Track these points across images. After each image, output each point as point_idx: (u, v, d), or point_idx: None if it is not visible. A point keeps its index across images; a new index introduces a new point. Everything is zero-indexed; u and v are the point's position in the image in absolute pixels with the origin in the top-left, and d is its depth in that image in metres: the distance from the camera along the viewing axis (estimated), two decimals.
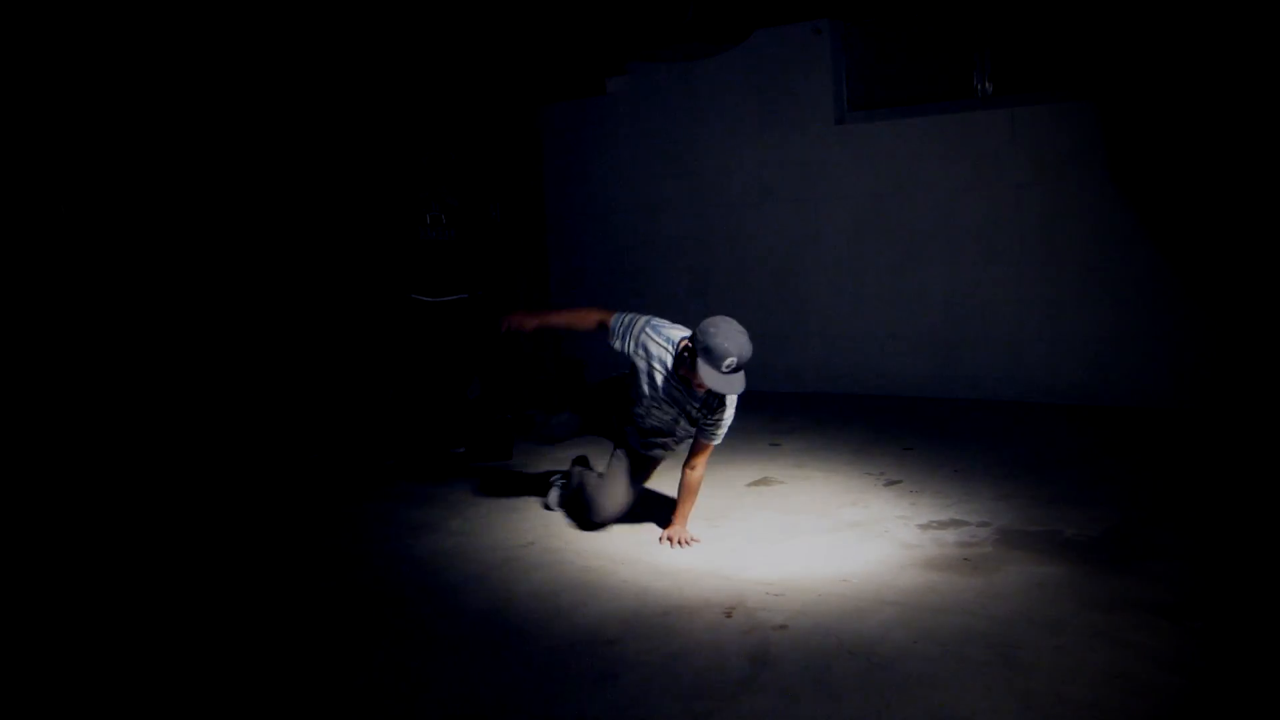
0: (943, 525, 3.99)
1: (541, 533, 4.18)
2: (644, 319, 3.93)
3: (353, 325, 6.70)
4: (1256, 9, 5.25)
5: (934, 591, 3.30)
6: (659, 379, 3.87)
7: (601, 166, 7.94)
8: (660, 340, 3.87)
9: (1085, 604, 3.13)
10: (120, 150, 5.89)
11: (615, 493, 4.09)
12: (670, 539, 3.93)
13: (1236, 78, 5.38)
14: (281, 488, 5.21)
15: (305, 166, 6.62)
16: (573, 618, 3.26)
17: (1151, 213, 5.79)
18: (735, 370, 3.57)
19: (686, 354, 3.68)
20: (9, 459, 5.29)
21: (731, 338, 3.56)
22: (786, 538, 3.96)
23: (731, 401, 3.80)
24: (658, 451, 4.14)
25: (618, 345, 3.94)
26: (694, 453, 3.95)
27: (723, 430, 3.88)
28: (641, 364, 3.90)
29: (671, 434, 4.03)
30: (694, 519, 4.20)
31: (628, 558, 3.81)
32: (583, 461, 4.51)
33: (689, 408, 3.88)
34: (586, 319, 4.09)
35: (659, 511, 4.35)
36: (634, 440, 4.13)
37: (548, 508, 4.48)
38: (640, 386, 3.94)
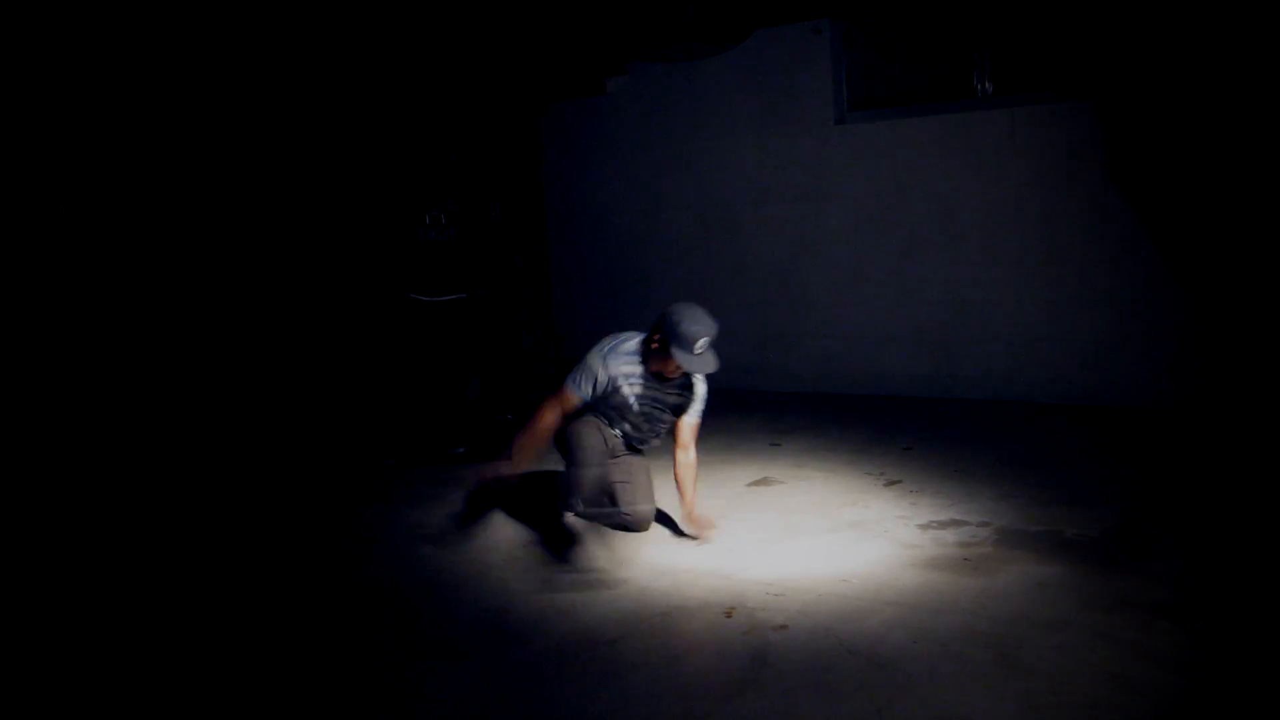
0: (943, 525, 3.99)
1: (542, 533, 4.17)
2: (593, 354, 3.92)
3: (352, 325, 6.70)
4: (1256, 9, 5.25)
5: (934, 591, 3.30)
6: (638, 389, 3.89)
7: (601, 167, 7.94)
8: (623, 357, 3.87)
9: (1085, 604, 3.13)
10: (120, 151, 5.89)
11: (647, 493, 4.07)
12: (699, 528, 3.94)
13: (1236, 78, 5.38)
14: (282, 488, 5.21)
15: (306, 167, 6.62)
16: (573, 618, 3.26)
17: (1151, 213, 5.79)
18: (706, 350, 3.68)
19: (655, 346, 3.74)
20: (9, 459, 5.29)
21: (698, 320, 3.66)
22: (786, 538, 3.96)
23: (701, 377, 3.90)
24: (652, 443, 4.15)
25: (590, 396, 3.90)
26: (682, 436, 3.98)
27: (702, 405, 3.97)
28: (622, 388, 3.88)
29: (656, 432, 4.05)
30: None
31: (627, 558, 3.81)
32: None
33: (669, 398, 3.92)
34: (559, 405, 3.95)
35: (658, 514, 4.35)
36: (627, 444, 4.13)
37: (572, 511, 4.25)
38: (626, 406, 3.93)
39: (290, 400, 6.58)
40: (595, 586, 3.53)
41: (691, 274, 7.53)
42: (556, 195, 8.26)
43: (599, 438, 3.92)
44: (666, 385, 3.88)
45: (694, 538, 3.94)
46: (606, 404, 3.92)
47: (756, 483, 4.80)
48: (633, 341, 3.91)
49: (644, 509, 4.03)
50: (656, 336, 3.74)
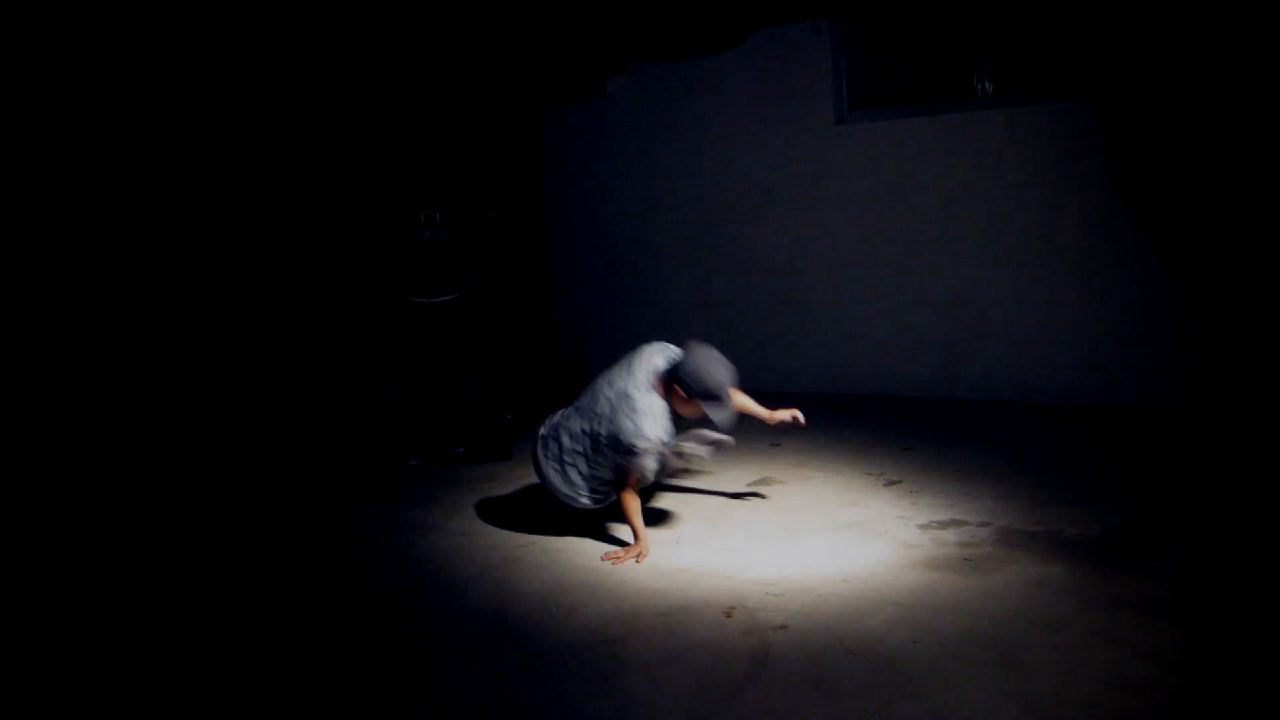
0: (943, 525, 3.99)
1: (542, 533, 4.17)
2: (623, 425, 3.76)
3: (351, 325, 6.70)
4: (1256, 9, 5.25)
5: (934, 591, 3.30)
6: (668, 427, 3.86)
7: (602, 167, 7.94)
8: (660, 419, 3.78)
9: (1085, 604, 3.13)
10: (120, 150, 5.89)
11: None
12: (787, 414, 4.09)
13: (1235, 78, 5.38)
14: (282, 488, 5.21)
15: (305, 168, 6.62)
16: (573, 618, 3.26)
17: (1151, 213, 5.79)
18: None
19: (684, 397, 3.74)
20: (9, 459, 5.29)
21: (722, 368, 3.73)
22: (786, 538, 3.96)
23: None
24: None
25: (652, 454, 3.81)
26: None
27: None
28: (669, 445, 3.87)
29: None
30: (695, 519, 4.21)
31: (629, 558, 3.81)
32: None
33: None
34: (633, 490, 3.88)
35: (658, 515, 4.35)
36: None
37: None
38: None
39: (289, 399, 6.58)
40: (595, 586, 3.53)
41: (691, 274, 7.53)
42: (556, 195, 8.26)
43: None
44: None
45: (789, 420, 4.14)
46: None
47: (756, 483, 4.80)
48: (652, 400, 3.78)
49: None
50: (682, 391, 3.72)
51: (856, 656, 2.85)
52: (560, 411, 4.14)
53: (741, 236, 7.30)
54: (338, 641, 3.23)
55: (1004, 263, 6.29)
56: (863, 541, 3.86)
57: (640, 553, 3.79)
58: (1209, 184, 5.55)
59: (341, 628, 3.34)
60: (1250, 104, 5.36)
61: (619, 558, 3.78)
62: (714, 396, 3.70)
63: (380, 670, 2.97)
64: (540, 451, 4.07)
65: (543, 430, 4.12)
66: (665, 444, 3.78)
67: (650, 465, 3.76)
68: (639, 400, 3.75)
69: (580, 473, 3.96)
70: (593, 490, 3.99)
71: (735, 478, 4.88)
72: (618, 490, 3.86)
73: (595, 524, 4.20)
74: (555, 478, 4.00)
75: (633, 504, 3.83)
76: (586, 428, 3.89)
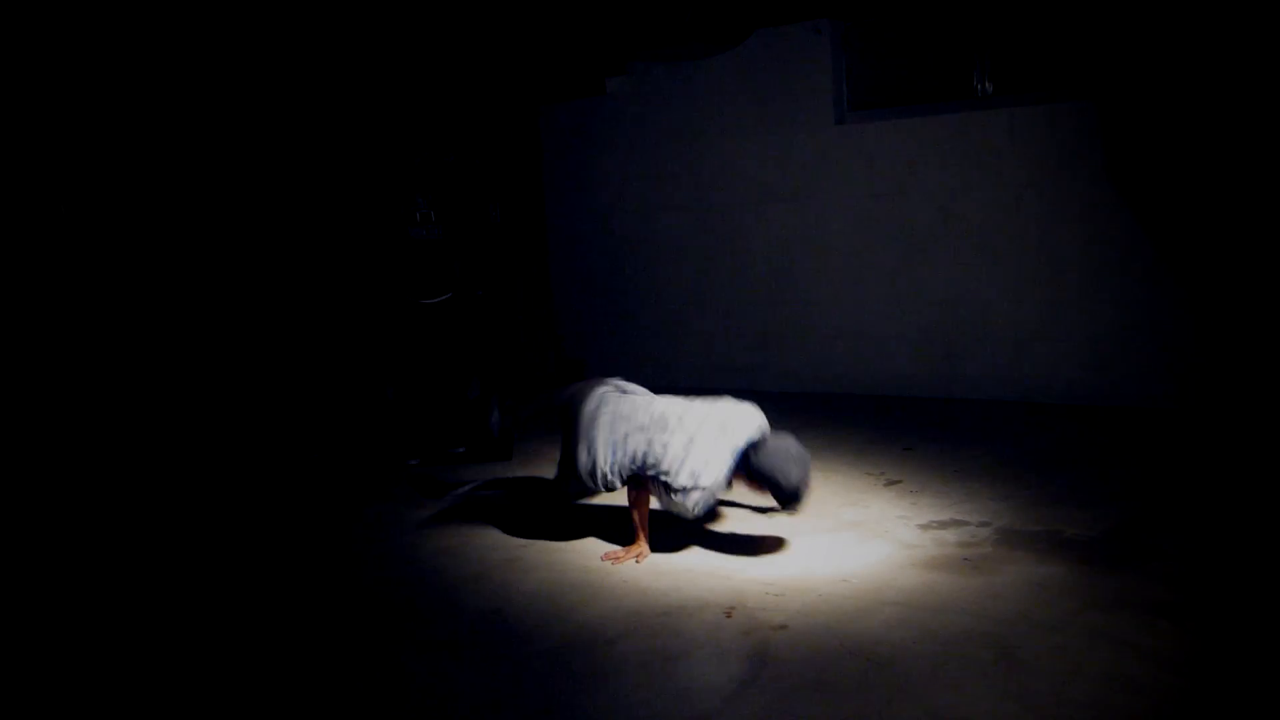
0: (943, 525, 3.99)
1: (542, 533, 4.18)
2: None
3: (349, 325, 6.70)
4: (1256, 9, 5.25)
5: (934, 591, 3.30)
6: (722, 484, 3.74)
7: (601, 166, 7.94)
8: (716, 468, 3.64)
9: (1085, 604, 3.13)
10: (119, 150, 5.89)
11: None
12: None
13: (1235, 78, 5.38)
14: (281, 489, 5.21)
15: (303, 168, 6.62)
16: (573, 618, 3.26)
17: (1151, 213, 5.79)
18: None
19: (759, 487, 3.63)
20: (9, 459, 5.29)
21: (796, 473, 3.55)
22: (786, 538, 3.96)
23: None
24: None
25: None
26: None
27: None
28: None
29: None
30: (695, 518, 4.20)
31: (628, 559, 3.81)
32: None
33: None
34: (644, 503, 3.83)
35: (658, 515, 4.35)
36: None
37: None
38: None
39: (289, 399, 6.58)
40: (595, 586, 3.53)
41: (692, 274, 7.53)
42: (556, 195, 8.26)
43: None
44: None
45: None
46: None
47: None
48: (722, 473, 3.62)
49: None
50: (762, 486, 3.60)
51: (856, 656, 2.85)
52: (615, 394, 3.89)
53: (741, 236, 7.30)
54: (337, 642, 3.23)
55: (1004, 263, 6.29)
56: (863, 541, 3.86)
57: (640, 553, 3.78)
58: (1208, 184, 5.55)
59: (341, 628, 3.34)
60: (1250, 104, 5.36)
61: (619, 558, 3.77)
62: (786, 495, 3.58)
63: (380, 670, 2.97)
64: (589, 424, 3.78)
65: (590, 404, 3.83)
66: (703, 498, 3.61)
67: (687, 505, 3.61)
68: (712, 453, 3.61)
69: (617, 473, 3.73)
70: (606, 487, 3.79)
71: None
72: (631, 501, 3.80)
73: (595, 524, 4.21)
74: (594, 455, 3.73)
75: (644, 506, 3.82)
76: (644, 446, 3.68)
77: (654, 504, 3.81)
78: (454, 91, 7.19)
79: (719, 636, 3.07)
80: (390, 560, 4.00)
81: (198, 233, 6.23)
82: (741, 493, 3.84)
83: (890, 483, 4.66)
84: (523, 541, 4.08)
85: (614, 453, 3.68)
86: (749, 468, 3.57)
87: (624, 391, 3.93)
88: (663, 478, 3.58)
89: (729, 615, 3.20)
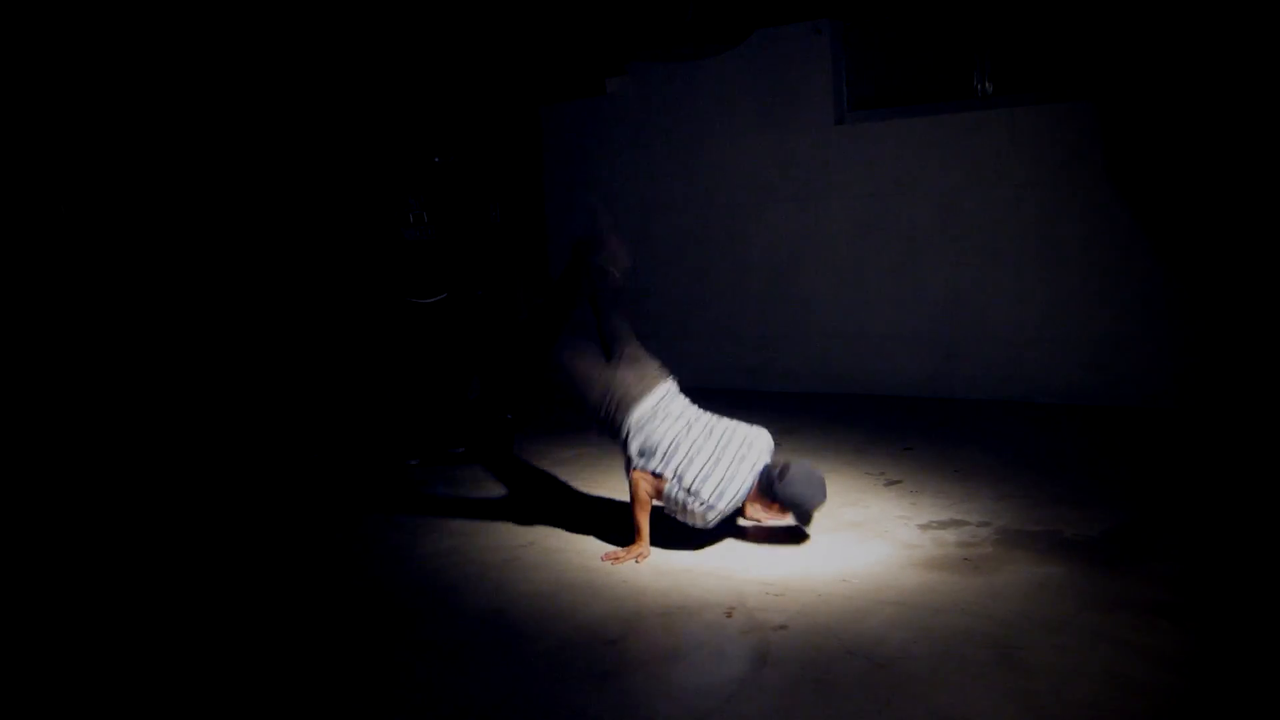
0: (943, 525, 3.99)
1: (541, 533, 4.18)
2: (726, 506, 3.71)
3: (345, 325, 6.70)
4: (1256, 9, 5.25)
5: (934, 591, 3.30)
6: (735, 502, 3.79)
7: (601, 167, 7.94)
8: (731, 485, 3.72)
9: (1085, 604, 3.13)
10: (119, 150, 5.89)
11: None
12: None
13: (1235, 78, 5.38)
14: (281, 489, 5.21)
15: (303, 170, 6.62)
16: (573, 618, 3.26)
17: (1151, 213, 5.79)
18: None
19: (774, 504, 3.74)
20: (9, 460, 5.29)
21: (818, 496, 3.74)
22: (786, 538, 3.96)
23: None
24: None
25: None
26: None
27: None
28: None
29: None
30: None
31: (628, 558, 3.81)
32: None
33: None
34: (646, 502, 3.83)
35: (659, 515, 4.35)
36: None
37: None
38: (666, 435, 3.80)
39: (289, 399, 6.58)
40: (595, 586, 3.53)
41: (692, 274, 7.53)
42: (556, 195, 8.26)
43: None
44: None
45: (758, 520, 4.06)
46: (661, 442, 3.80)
47: None
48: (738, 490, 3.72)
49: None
50: (785, 508, 3.74)
51: (856, 656, 2.85)
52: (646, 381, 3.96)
53: (741, 236, 7.30)
54: (337, 642, 3.22)
55: (1004, 263, 6.29)
56: (863, 541, 3.86)
57: (641, 553, 3.79)
58: (1208, 184, 5.55)
59: (341, 628, 3.34)
60: (1250, 104, 5.36)
61: (619, 558, 3.77)
62: (807, 517, 3.76)
63: (380, 670, 2.97)
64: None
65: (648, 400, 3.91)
66: (721, 512, 3.70)
67: (708, 520, 3.70)
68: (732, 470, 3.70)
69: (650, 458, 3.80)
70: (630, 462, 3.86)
71: None
72: (637, 498, 3.81)
73: (595, 524, 4.21)
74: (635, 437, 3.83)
75: (649, 506, 3.82)
76: (678, 457, 3.75)
77: (656, 502, 3.82)
78: (454, 92, 7.19)
79: (719, 636, 3.07)
80: (390, 560, 4.00)
81: (198, 233, 6.23)
82: (753, 510, 3.90)
83: (890, 483, 4.66)
84: (523, 541, 4.08)
85: (648, 445, 3.79)
86: (772, 491, 3.69)
87: (639, 362, 4.03)
88: (684, 488, 3.67)
89: (729, 615, 3.20)
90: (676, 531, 4.06)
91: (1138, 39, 5.71)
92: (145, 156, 6.01)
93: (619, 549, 3.84)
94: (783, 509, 3.75)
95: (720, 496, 3.65)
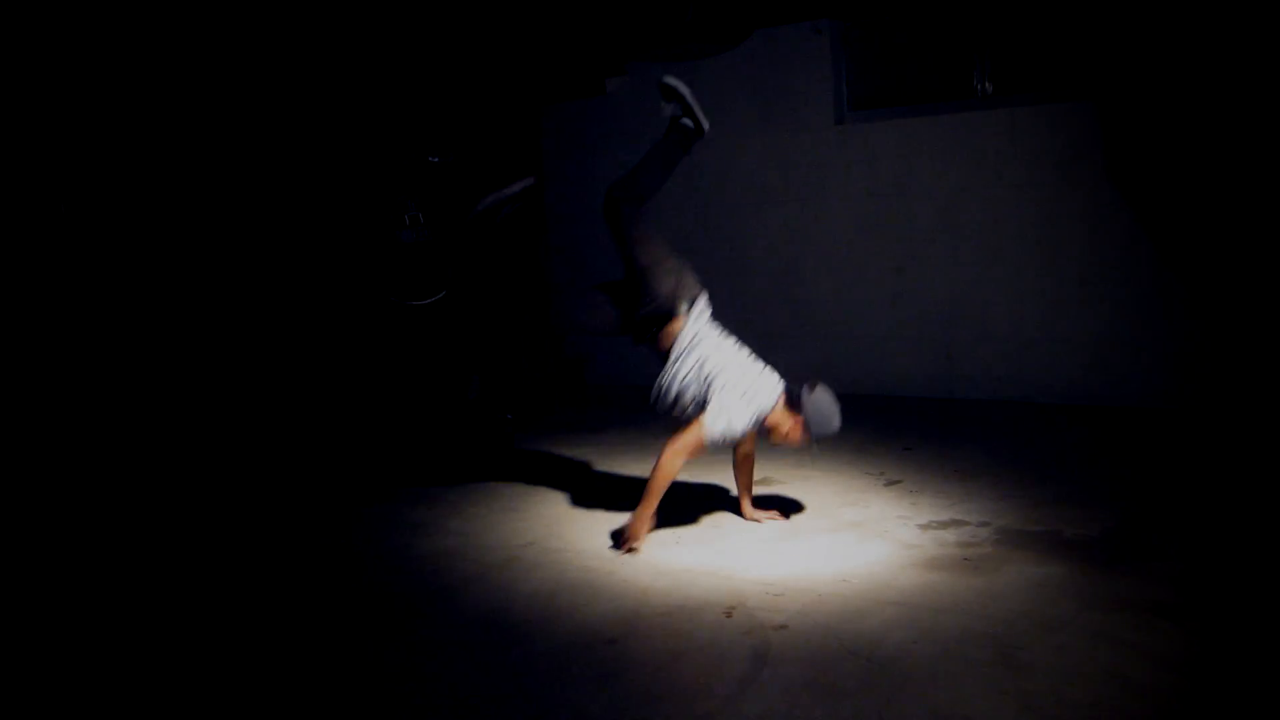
0: (943, 525, 3.99)
1: (542, 533, 4.18)
2: (748, 420, 3.82)
3: (343, 326, 6.69)
4: (1256, 9, 5.25)
5: (934, 591, 3.30)
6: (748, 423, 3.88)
7: (601, 167, 7.93)
8: (759, 401, 3.85)
9: (1085, 604, 3.13)
10: (118, 150, 5.89)
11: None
12: (766, 515, 4.17)
13: (1235, 78, 5.38)
14: (281, 489, 5.21)
15: (302, 172, 6.62)
16: (573, 618, 3.26)
17: (1151, 213, 5.79)
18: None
19: (795, 421, 3.85)
20: (10, 460, 5.29)
21: (837, 422, 3.86)
22: (786, 538, 3.96)
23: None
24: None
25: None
26: (745, 442, 4.11)
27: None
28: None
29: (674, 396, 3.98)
30: (695, 519, 4.21)
31: (628, 558, 3.81)
32: None
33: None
34: (685, 450, 3.86)
35: (659, 514, 4.35)
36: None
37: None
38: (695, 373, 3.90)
39: (288, 399, 6.57)
40: (595, 586, 3.53)
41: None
42: (556, 195, 8.26)
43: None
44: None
45: (758, 520, 4.17)
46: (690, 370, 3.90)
47: (757, 483, 4.79)
48: (766, 398, 3.85)
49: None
50: (798, 416, 3.83)
51: (856, 656, 2.85)
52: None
53: (741, 236, 7.30)
54: (337, 641, 3.22)
55: (1004, 263, 6.29)
56: (863, 541, 3.86)
57: (634, 537, 3.78)
58: (1208, 184, 5.55)
59: (341, 628, 3.34)
60: (1250, 104, 5.36)
61: (633, 547, 3.82)
62: (821, 430, 3.84)
63: (380, 670, 2.97)
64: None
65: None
66: (736, 430, 3.80)
67: (714, 432, 3.75)
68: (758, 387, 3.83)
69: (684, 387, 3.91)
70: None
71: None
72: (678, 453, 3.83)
73: (595, 524, 4.21)
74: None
75: (662, 481, 3.80)
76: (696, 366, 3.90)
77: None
78: (454, 92, 7.19)
79: (719, 636, 3.07)
80: (390, 560, 4.00)
81: (199, 233, 6.23)
82: (777, 434, 3.91)
83: (890, 483, 4.66)
84: (523, 541, 4.08)
85: (704, 374, 3.89)
86: (799, 403, 3.82)
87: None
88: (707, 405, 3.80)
89: (729, 615, 3.20)
90: (677, 533, 4.07)
91: (1138, 39, 5.71)
92: (144, 156, 6.00)
93: (623, 539, 3.83)
94: (805, 427, 3.81)
95: (748, 406, 3.76)
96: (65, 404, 5.64)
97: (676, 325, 4.00)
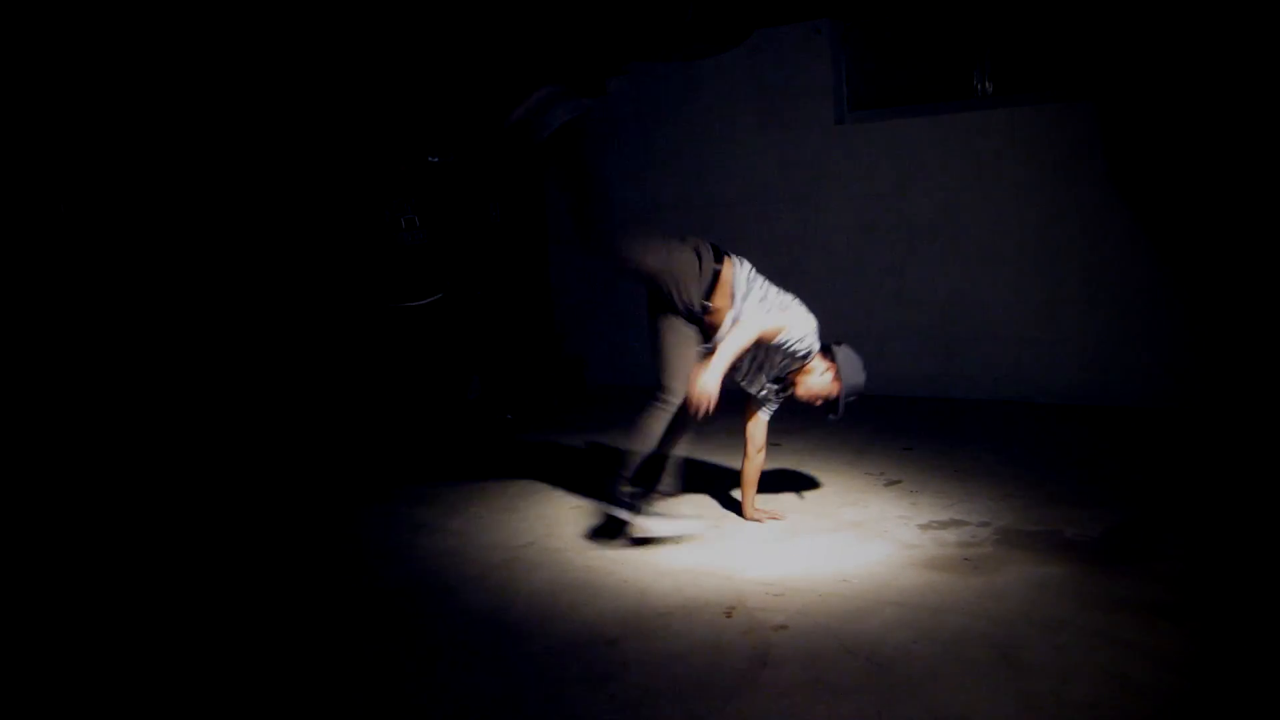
0: (943, 525, 3.99)
1: (541, 533, 4.18)
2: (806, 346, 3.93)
3: (340, 328, 6.69)
4: (1256, 9, 5.26)
5: (934, 591, 3.30)
6: (767, 372, 4.01)
7: (602, 167, 7.94)
8: (784, 353, 3.97)
9: (1085, 604, 3.13)
10: (119, 150, 5.89)
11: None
12: (768, 515, 4.22)
13: (1235, 79, 5.38)
14: (281, 489, 5.21)
15: (301, 173, 6.62)
16: (573, 618, 3.26)
17: (1151, 213, 5.80)
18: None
19: (827, 370, 4.00)
20: (10, 459, 5.29)
21: (863, 380, 4.03)
22: (786, 538, 3.96)
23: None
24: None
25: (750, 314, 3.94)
26: (758, 436, 4.16)
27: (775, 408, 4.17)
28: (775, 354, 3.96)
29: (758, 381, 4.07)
30: (695, 518, 4.21)
31: (628, 558, 3.81)
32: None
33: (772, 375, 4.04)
34: (756, 331, 3.88)
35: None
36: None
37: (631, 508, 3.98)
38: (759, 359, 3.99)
39: (288, 399, 6.58)
40: (595, 586, 3.53)
41: None
42: (556, 195, 8.26)
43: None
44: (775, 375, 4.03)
45: (759, 520, 4.20)
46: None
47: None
48: (805, 344, 3.97)
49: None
50: (832, 365, 3.96)
51: (856, 656, 2.85)
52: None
53: (741, 236, 7.29)
54: (337, 642, 3.23)
55: (1004, 263, 6.30)
56: (863, 541, 3.86)
57: (704, 391, 3.67)
58: (1208, 184, 5.55)
59: (341, 628, 3.34)
60: (1250, 104, 5.36)
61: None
62: (853, 389, 3.94)
63: (379, 670, 2.97)
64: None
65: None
66: (794, 336, 3.92)
67: (780, 326, 3.89)
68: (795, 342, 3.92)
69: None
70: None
71: (735, 478, 4.87)
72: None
73: (596, 524, 4.21)
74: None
75: (732, 347, 3.78)
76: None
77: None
78: (454, 93, 7.19)
79: (719, 636, 3.07)
80: (390, 560, 4.00)
81: (200, 234, 6.23)
82: (803, 389, 4.00)
83: (890, 483, 4.66)
84: (523, 541, 4.08)
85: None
86: (833, 354, 3.98)
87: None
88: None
89: (729, 615, 3.20)
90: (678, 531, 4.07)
91: (1138, 39, 5.71)
92: (144, 156, 6.00)
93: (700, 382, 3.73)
94: (838, 375, 3.93)
95: (810, 328, 3.95)
96: (65, 404, 5.64)
97: (726, 275, 4.02)
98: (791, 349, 3.91)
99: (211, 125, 6.28)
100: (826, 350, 4.00)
